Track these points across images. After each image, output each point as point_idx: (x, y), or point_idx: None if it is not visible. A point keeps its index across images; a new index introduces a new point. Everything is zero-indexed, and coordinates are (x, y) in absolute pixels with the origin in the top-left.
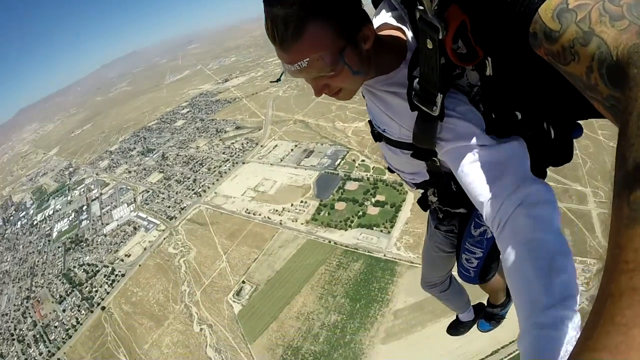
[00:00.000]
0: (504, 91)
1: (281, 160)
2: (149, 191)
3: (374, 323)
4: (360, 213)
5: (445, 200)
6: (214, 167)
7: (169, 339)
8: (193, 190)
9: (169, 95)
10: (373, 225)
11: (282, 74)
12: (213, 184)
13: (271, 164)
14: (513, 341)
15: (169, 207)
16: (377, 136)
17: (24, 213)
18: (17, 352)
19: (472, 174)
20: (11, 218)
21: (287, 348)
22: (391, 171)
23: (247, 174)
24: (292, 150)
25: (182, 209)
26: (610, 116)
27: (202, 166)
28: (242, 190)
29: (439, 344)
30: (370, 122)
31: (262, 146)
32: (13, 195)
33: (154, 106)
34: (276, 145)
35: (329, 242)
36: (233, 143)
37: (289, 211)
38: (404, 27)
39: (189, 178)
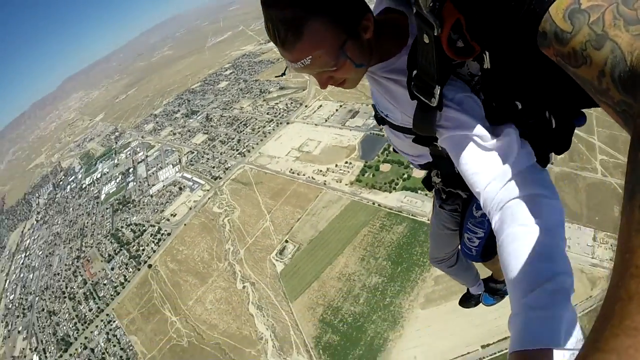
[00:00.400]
0: (503, 82)
1: (326, 121)
2: (193, 152)
3: (414, 287)
4: (405, 176)
5: (448, 181)
6: (258, 128)
7: (213, 296)
8: (237, 150)
9: (211, 58)
10: (418, 188)
11: (286, 69)
12: (257, 144)
13: (315, 124)
14: (590, 297)
15: (213, 167)
16: (381, 120)
17: (72, 177)
18: (68, 309)
19: (469, 163)
20: (61, 183)
21: (327, 308)
22: (396, 151)
23: (292, 134)
24: (336, 110)
25: (227, 169)
26: (621, 121)
27: (246, 127)
28: (286, 150)
29: (476, 313)
30: (373, 105)
31: (306, 106)
32: (62, 161)
33: (196, 69)
34: (321, 106)
35: (373, 203)
36: (277, 103)
37: (333, 172)
38: (406, 12)
39: (233, 139)
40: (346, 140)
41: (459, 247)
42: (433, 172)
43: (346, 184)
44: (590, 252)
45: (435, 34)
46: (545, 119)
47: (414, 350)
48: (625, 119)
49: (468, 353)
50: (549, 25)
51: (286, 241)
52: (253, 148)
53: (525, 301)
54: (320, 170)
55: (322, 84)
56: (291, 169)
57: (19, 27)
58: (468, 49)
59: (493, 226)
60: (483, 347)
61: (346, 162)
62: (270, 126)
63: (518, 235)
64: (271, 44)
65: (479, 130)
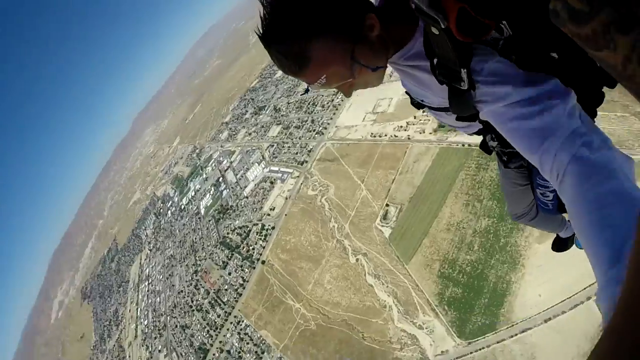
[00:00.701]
0: (532, 39)
1: (390, 76)
2: (273, 145)
3: None
4: None
5: (506, 142)
6: (327, 103)
7: (329, 275)
8: (314, 130)
9: (258, 53)
10: None
11: (307, 88)
12: (331, 119)
13: (382, 83)
14: None
15: (296, 153)
16: (418, 105)
17: (170, 203)
18: (198, 320)
19: (519, 132)
20: (161, 211)
21: (443, 262)
22: (443, 125)
23: (361, 100)
24: None
25: (310, 151)
26: None
27: (315, 105)
28: (361, 116)
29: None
30: (407, 92)
31: None
32: (156, 191)
33: (249, 68)
34: None
35: (463, 145)
36: None
37: (413, 124)
38: None
39: (306, 121)
40: None
41: (536, 202)
42: (488, 136)
43: (430, 133)
44: None
45: (443, 27)
46: (583, 68)
47: (538, 288)
48: None
49: (590, 285)
50: (560, 3)
51: (387, 205)
52: (329, 124)
53: (613, 275)
54: (401, 127)
55: (347, 94)
56: (372, 133)
57: (75, 79)
58: (483, 28)
59: (557, 191)
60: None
61: (423, 111)
62: (338, 98)
63: (587, 200)
64: None
65: (520, 94)
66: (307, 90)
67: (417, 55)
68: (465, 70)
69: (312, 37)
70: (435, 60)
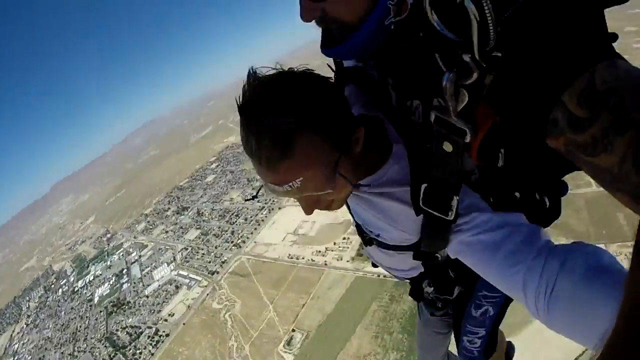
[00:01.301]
0: (507, 177)
1: None
2: (187, 248)
3: None
4: None
5: (442, 287)
6: (251, 217)
7: None
8: (232, 242)
9: (196, 153)
10: None
11: (259, 191)
12: (252, 233)
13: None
14: (585, 351)
15: (209, 262)
16: (368, 240)
17: (64, 280)
18: None
19: (496, 255)
20: (52, 286)
21: None
22: (375, 266)
23: (285, 219)
24: None
25: (223, 262)
26: (637, 206)
27: (239, 217)
28: (282, 235)
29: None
30: (358, 225)
31: None
32: (53, 264)
33: (183, 165)
34: None
35: (378, 276)
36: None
37: (332, 250)
38: (381, 117)
39: (226, 231)
40: (341, 217)
41: (459, 351)
42: (424, 282)
43: (347, 261)
44: None
45: (467, 140)
46: (539, 201)
47: None
48: None
49: None
50: (561, 113)
51: (293, 330)
52: (248, 238)
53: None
54: (319, 251)
55: (308, 210)
56: (289, 254)
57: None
58: (494, 151)
59: (546, 304)
60: None
61: (344, 238)
62: (262, 214)
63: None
64: None
65: (494, 222)
66: (254, 196)
67: (391, 181)
68: (457, 199)
69: (304, 127)
70: (423, 187)
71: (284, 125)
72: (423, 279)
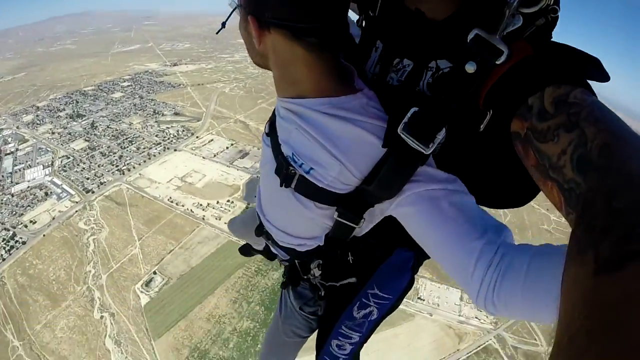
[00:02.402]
0: (467, 156)
1: (214, 156)
2: (69, 157)
3: None
4: None
5: (331, 273)
6: (144, 148)
7: (65, 322)
8: (117, 166)
9: (112, 65)
10: None
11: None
12: (139, 164)
13: (203, 157)
14: (457, 350)
15: (87, 178)
16: (287, 179)
17: None
18: None
19: (458, 221)
20: None
21: (193, 350)
22: (246, 253)
23: (177, 162)
24: (227, 148)
25: (102, 183)
26: (564, 199)
27: (132, 144)
28: (168, 177)
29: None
30: (282, 157)
31: (197, 137)
32: None
33: (94, 72)
34: (212, 140)
35: None
36: (168, 128)
37: (213, 208)
38: (353, 69)
39: (115, 153)
40: (232, 179)
41: (318, 355)
42: (313, 262)
43: (225, 222)
44: (457, 310)
45: (499, 62)
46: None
47: None
48: (569, 196)
49: None
50: (537, 102)
51: (154, 272)
52: (134, 167)
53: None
54: (201, 205)
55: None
56: (170, 198)
57: None
58: (494, 100)
59: (502, 275)
60: None
61: (228, 201)
62: (156, 149)
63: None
64: (176, 67)
65: (456, 185)
66: (223, 25)
67: (355, 110)
68: (444, 130)
69: None
70: (412, 110)
71: None
72: (315, 257)
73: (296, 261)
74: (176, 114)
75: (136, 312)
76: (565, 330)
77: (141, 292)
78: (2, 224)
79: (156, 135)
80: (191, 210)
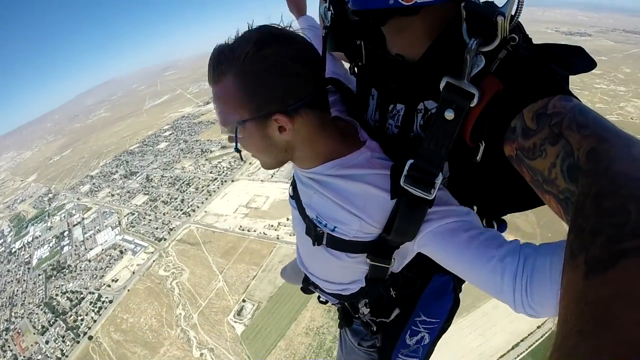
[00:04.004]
0: (475, 181)
1: (272, 176)
2: (134, 214)
3: None
4: None
5: (379, 309)
6: (202, 187)
7: None
8: (181, 210)
9: (149, 120)
10: None
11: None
12: (202, 203)
13: (262, 180)
14: (532, 333)
15: (156, 228)
16: (318, 238)
17: (1, 241)
18: None
19: (471, 245)
20: None
21: None
22: (307, 292)
23: (238, 192)
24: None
25: (171, 229)
26: (562, 209)
27: (190, 186)
28: (233, 207)
29: (458, 343)
30: (309, 220)
31: (250, 163)
32: None
33: (134, 130)
34: None
35: None
36: (220, 162)
37: (285, 225)
38: (353, 123)
39: (176, 199)
40: None
41: None
42: (361, 302)
43: None
44: None
45: (472, 105)
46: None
47: None
48: (566, 206)
49: None
50: (519, 122)
51: (243, 300)
52: (198, 207)
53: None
54: (272, 225)
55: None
56: (240, 226)
57: None
58: (482, 133)
59: (529, 283)
60: None
61: None
62: (214, 185)
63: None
64: (210, 105)
65: (466, 216)
66: (237, 150)
67: (360, 165)
68: (442, 176)
69: (237, 69)
70: (409, 162)
71: (226, 60)
72: (360, 297)
73: (345, 303)
74: (223, 147)
75: (234, 343)
76: (560, 331)
77: (235, 322)
78: (86, 288)
79: (210, 172)
80: (264, 233)
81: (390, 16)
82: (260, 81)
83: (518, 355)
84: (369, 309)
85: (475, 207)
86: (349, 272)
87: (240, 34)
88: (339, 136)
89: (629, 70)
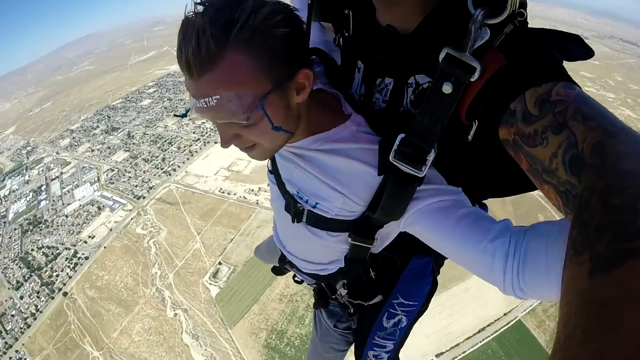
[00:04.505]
0: (461, 161)
1: None
2: (114, 170)
3: None
4: None
5: (357, 291)
6: (184, 146)
7: (140, 326)
8: (162, 169)
9: (134, 75)
10: None
11: (189, 110)
12: (184, 162)
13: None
14: (498, 319)
15: (136, 186)
16: (298, 214)
17: None
18: None
19: (461, 224)
20: None
21: (271, 331)
22: (280, 272)
23: (220, 154)
24: None
25: (151, 188)
26: (561, 200)
27: (171, 145)
28: (214, 169)
29: (426, 323)
30: (289, 195)
31: None
32: None
33: (118, 85)
34: None
35: None
36: (204, 122)
37: (265, 191)
38: (338, 95)
39: (157, 157)
40: None
41: None
42: (339, 283)
43: None
44: None
45: (473, 79)
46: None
47: None
48: (566, 198)
49: None
50: (520, 106)
51: (220, 263)
52: (179, 167)
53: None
54: (252, 190)
55: (225, 141)
56: (221, 189)
57: None
58: (477, 111)
59: (521, 266)
60: (437, 355)
61: None
62: (197, 145)
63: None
64: None
65: (456, 194)
66: (184, 114)
67: (347, 139)
68: (434, 153)
69: (242, 42)
70: (400, 137)
71: (219, 34)
72: (339, 277)
73: (322, 283)
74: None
75: (208, 304)
76: (563, 329)
77: (210, 284)
78: (62, 244)
79: (193, 132)
80: (244, 197)
81: None
82: (275, 40)
83: (484, 339)
84: (346, 290)
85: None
86: (328, 252)
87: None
88: (323, 108)
89: (620, 79)
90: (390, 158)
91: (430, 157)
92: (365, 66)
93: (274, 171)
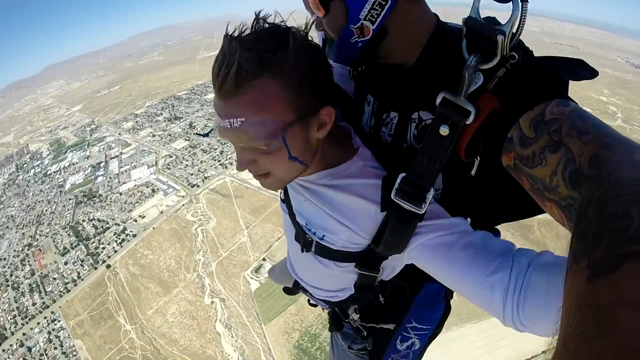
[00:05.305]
0: (469, 193)
1: None
2: (172, 156)
3: None
4: None
5: (369, 315)
6: None
7: (176, 308)
8: (219, 161)
9: (201, 69)
10: None
11: (211, 130)
12: None
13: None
14: (535, 356)
15: (191, 174)
16: (307, 245)
17: (38, 162)
18: (9, 298)
19: (460, 260)
20: (25, 165)
21: (304, 334)
22: (290, 292)
23: None
24: None
25: (206, 178)
26: (564, 216)
27: None
28: None
29: (463, 348)
30: (299, 226)
31: None
32: (30, 144)
33: (185, 77)
34: None
35: None
36: None
37: None
38: (348, 128)
39: (216, 149)
40: None
41: None
42: (351, 308)
43: None
44: None
45: (468, 122)
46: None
47: None
48: (569, 213)
49: None
50: (517, 132)
51: (264, 259)
52: (236, 161)
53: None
54: None
55: (241, 165)
56: None
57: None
58: (477, 149)
59: (520, 306)
60: None
61: None
62: None
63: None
64: None
65: (459, 226)
66: (207, 134)
67: (353, 175)
68: (433, 191)
69: (274, 72)
70: (401, 176)
71: (257, 62)
72: (350, 303)
73: (335, 308)
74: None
75: (246, 298)
76: (561, 334)
77: (251, 278)
78: (113, 219)
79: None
80: None
81: (371, 51)
82: (303, 75)
83: None
84: (358, 315)
85: (469, 219)
86: (337, 280)
87: (247, 31)
88: (336, 142)
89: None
90: (392, 196)
91: (430, 194)
92: (375, 100)
93: (286, 200)
